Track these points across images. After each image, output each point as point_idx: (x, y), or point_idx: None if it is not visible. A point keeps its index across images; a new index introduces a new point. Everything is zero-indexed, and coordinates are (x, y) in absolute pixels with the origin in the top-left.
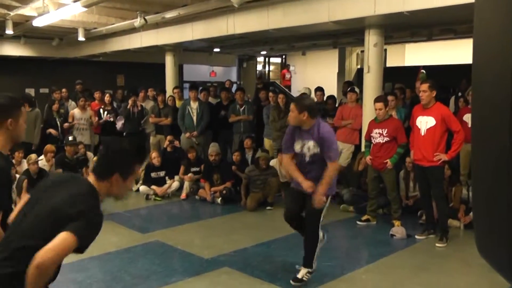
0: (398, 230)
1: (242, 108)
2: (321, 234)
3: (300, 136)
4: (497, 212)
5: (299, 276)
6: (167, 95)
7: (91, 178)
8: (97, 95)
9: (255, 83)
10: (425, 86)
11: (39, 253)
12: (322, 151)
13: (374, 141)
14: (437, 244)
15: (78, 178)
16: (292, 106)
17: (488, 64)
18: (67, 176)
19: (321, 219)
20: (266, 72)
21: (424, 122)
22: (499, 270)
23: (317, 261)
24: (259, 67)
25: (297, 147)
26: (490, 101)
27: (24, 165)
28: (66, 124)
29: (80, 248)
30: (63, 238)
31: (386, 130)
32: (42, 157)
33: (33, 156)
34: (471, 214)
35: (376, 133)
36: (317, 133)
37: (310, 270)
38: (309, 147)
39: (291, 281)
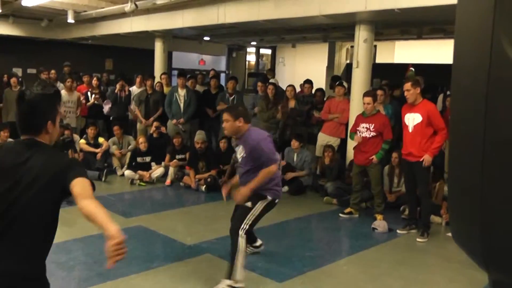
0: (380, 224)
1: (232, 97)
2: (242, 243)
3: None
4: (470, 200)
5: None
6: (155, 81)
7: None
8: (85, 78)
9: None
10: (407, 85)
11: (83, 201)
12: (254, 160)
13: (360, 135)
14: (418, 239)
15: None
16: (225, 115)
17: (466, 60)
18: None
19: (245, 226)
20: (259, 63)
21: (412, 119)
22: (472, 255)
23: (243, 272)
24: (249, 58)
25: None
26: (467, 95)
27: None
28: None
29: None
30: (81, 181)
31: (373, 125)
32: None
33: None
34: None
35: (363, 127)
36: (247, 140)
37: (231, 283)
38: (240, 151)
39: None
